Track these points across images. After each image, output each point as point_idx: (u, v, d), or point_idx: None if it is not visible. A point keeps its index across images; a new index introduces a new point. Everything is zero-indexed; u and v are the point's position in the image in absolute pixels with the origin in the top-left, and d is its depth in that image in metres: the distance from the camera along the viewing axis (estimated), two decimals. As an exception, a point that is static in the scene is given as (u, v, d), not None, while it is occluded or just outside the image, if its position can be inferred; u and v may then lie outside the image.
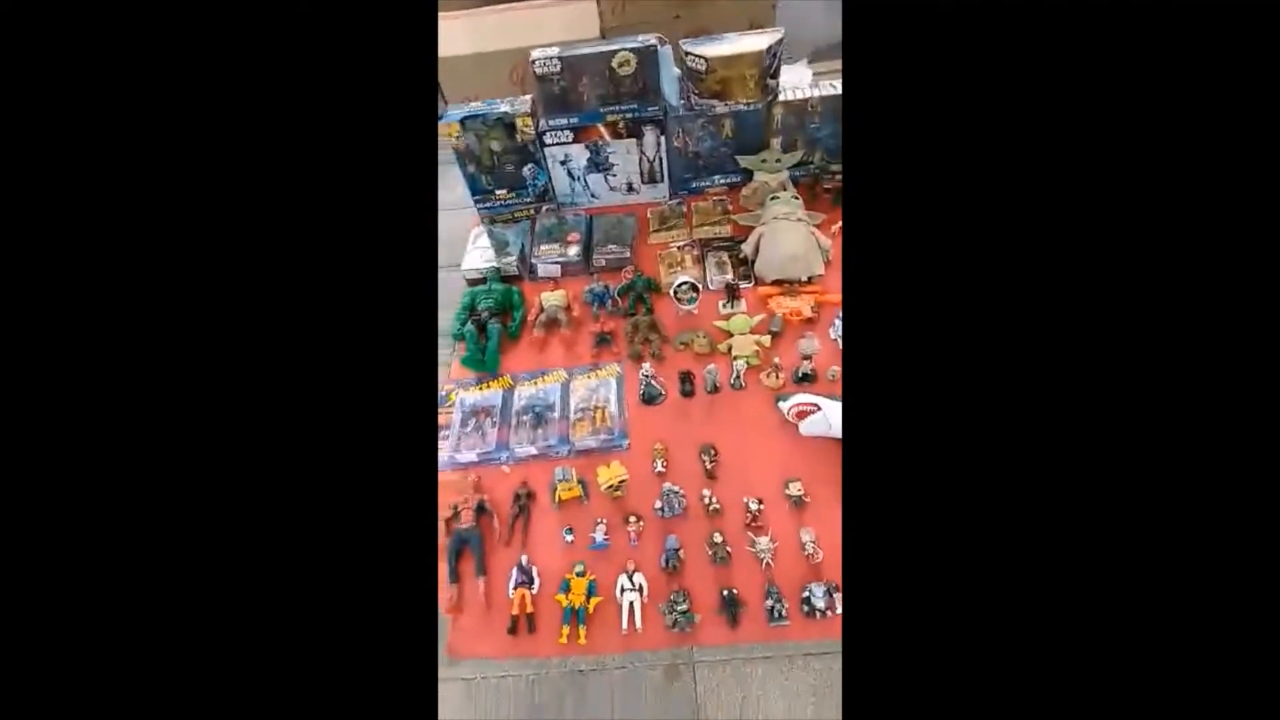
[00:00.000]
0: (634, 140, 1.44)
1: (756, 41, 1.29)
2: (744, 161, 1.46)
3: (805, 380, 1.18)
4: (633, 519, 1.03)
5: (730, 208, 1.51)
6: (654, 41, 1.30)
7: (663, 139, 1.44)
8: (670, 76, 1.39)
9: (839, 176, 1.47)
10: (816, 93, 1.39)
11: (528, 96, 1.42)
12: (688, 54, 1.31)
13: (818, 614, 0.91)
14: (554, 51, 1.31)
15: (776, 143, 1.46)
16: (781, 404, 1.12)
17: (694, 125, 1.42)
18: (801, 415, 1.09)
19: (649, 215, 1.52)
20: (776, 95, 1.38)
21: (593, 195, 1.55)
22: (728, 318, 1.28)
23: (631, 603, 0.95)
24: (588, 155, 1.47)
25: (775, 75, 1.35)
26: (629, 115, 1.39)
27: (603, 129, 1.42)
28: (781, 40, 1.31)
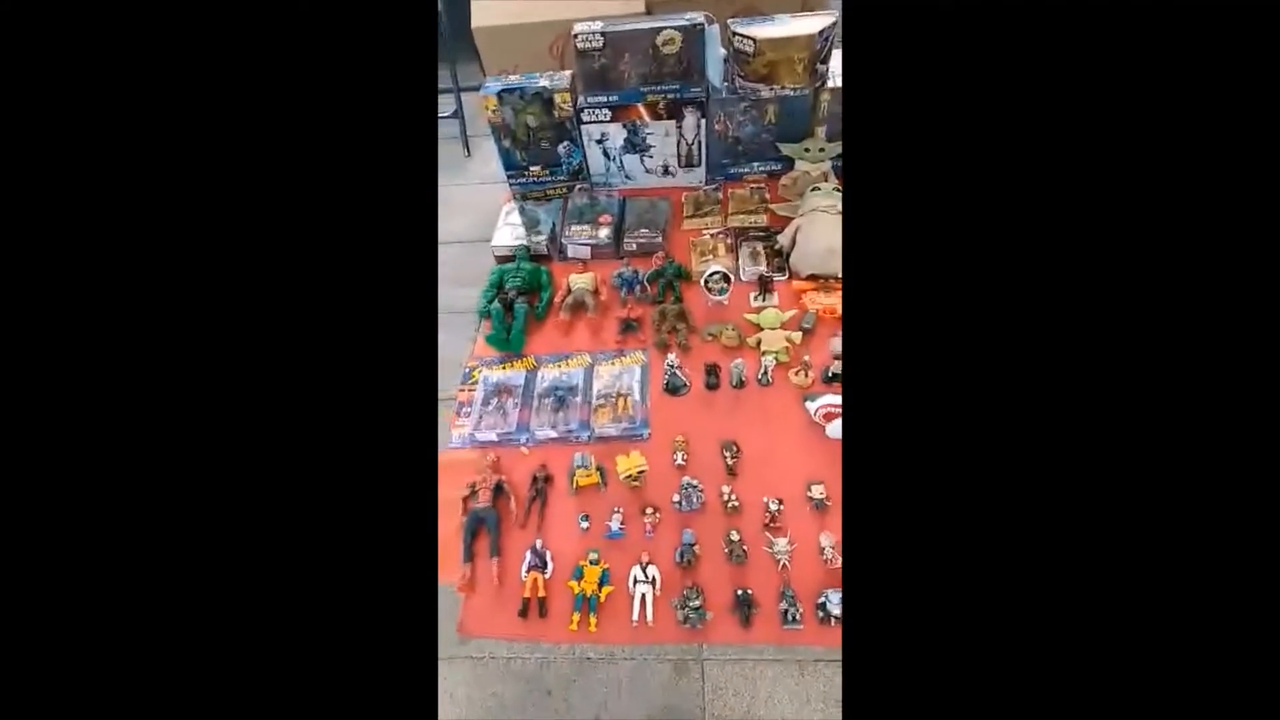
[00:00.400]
0: (673, 122, 1.40)
1: (808, 25, 1.24)
2: (786, 149, 1.42)
3: (835, 380, 1.15)
4: (649, 510, 1.02)
5: (768, 196, 1.47)
6: (701, 20, 1.25)
7: (703, 122, 1.40)
8: (715, 57, 1.34)
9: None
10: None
11: (567, 72, 1.38)
12: (735, 34, 1.26)
13: (833, 620, 0.90)
14: (597, 26, 1.27)
15: (821, 131, 1.41)
16: (809, 404, 1.09)
17: (736, 109, 1.37)
18: (829, 417, 1.06)
19: (684, 200, 1.49)
20: (825, 82, 1.33)
21: (627, 176, 1.52)
22: (758, 311, 1.25)
23: (644, 595, 0.94)
24: (625, 135, 1.44)
25: (826, 60, 1.30)
26: (670, 96, 1.35)
27: (642, 109, 1.38)
28: (835, 24, 1.25)
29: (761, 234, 1.41)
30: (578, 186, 1.51)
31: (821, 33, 1.23)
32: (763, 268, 1.34)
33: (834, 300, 1.23)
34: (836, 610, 0.90)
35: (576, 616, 0.93)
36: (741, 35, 1.25)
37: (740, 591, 0.93)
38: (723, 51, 1.35)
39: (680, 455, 1.08)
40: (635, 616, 0.93)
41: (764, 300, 1.28)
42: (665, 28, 1.25)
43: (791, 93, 1.32)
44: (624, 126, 1.42)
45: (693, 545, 0.97)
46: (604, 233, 1.41)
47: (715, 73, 1.35)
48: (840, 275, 1.27)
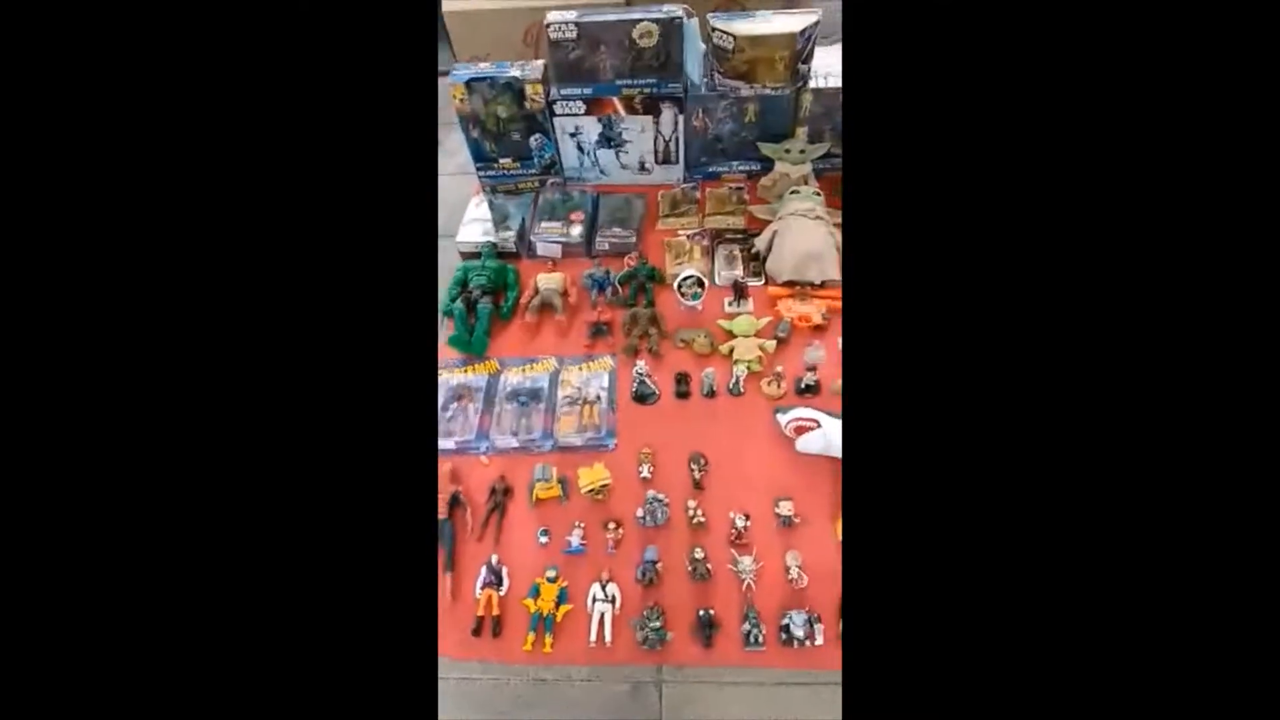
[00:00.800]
0: (650, 117, 1.35)
1: (790, 23, 1.19)
2: (766, 149, 1.38)
3: (808, 392, 1.12)
4: (612, 525, 0.98)
5: (747, 197, 1.43)
6: (680, 13, 1.20)
7: (681, 118, 1.35)
8: (694, 52, 1.29)
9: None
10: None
11: (540, 62, 1.32)
12: (715, 30, 1.21)
13: (796, 643, 0.87)
14: (571, 16, 1.22)
15: (802, 132, 1.37)
16: (780, 416, 1.06)
17: (716, 106, 1.33)
18: (800, 431, 1.03)
19: (659, 198, 1.44)
20: (806, 81, 1.29)
21: (602, 172, 1.47)
22: (732, 317, 1.21)
23: (603, 614, 0.91)
24: (600, 129, 1.38)
25: (807, 60, 1.26)
26: (647, 91, 1.30)
27: (618, 103, 1.33)
28: (817, 23, 1.21)
29: (739, 236, 1.37)
30: (550, 181, 1.45)
31: (803, 31, 1.19)
32: (738, 272, 1.31)
33: (809, 308, 1.20)
34: (799, 632, 0.87)
35: (532, 636, 0.89)
36: (721, 31, 1.21)
37: (702, 612, 0.90)
38: (703, 46, 1.30)
39: (646, 467, 1.04)
40: (593, 637, 0.89)
41: (739, 306, 1.25)
42: (642, 20, 1.20)
43: (772, 92, 1.28)
44: (599, 120, 1.36)
45: (655, 563, 0.94)
46: (576, 231, 1.36)
47: (694, 68, 1.31)
48: (817, 282, 1.24)
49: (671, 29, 1.22)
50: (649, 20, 1.20)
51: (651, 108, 1.34)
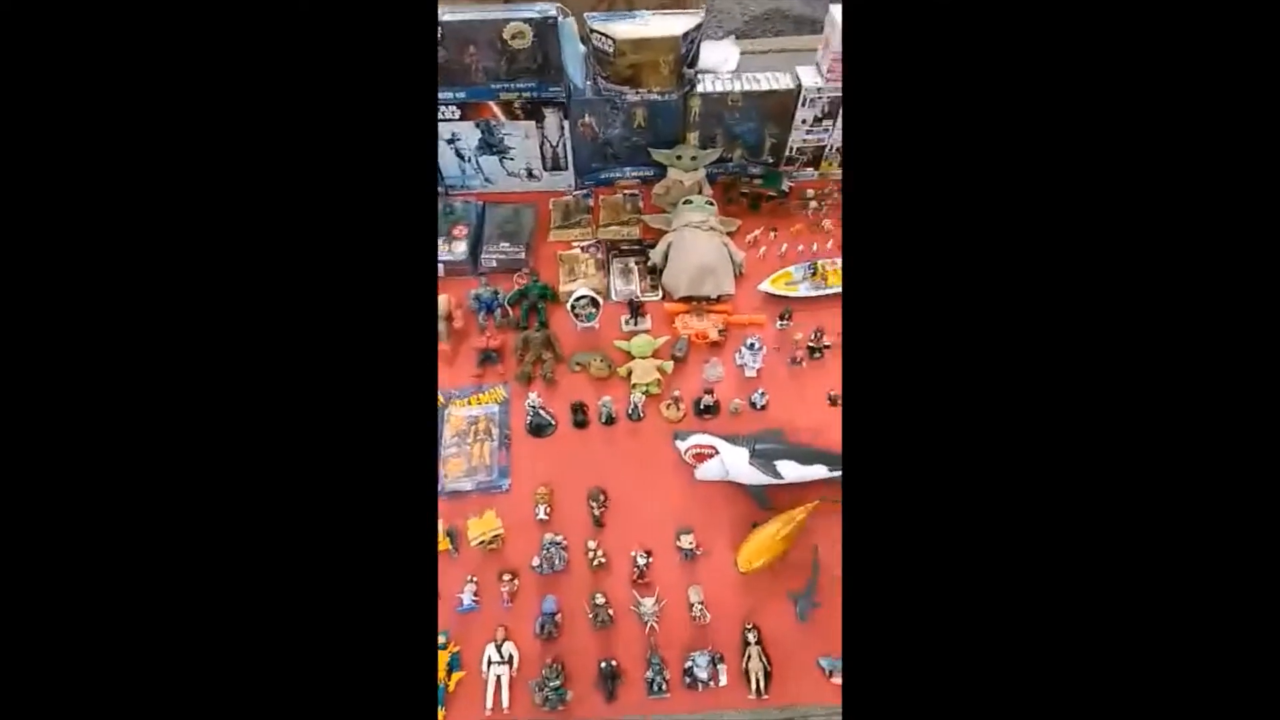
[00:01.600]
0: (533, 122, 1.26)
1: (672, 25, 1.13)
2: (658, 155, 1.32)
3: (707, 413, 1.10)
4: (507, 576, 0.92)
5: (643, 205, 1.37)
6: (553, 12, 1.11)
7: (566, 124, 1.27)
8: (575, 54, 1.21)
9: (757, 181, 1.36)
10: (739, 86, 1.25)
11: (405, 62, 1.20)
12: (593, 31, 1.14)
13: (700, 685, 0.85)
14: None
15: (694, 137, 1.33)
16: (679, 443, 1.03)
17: (602, 110, 1.26)
18: (699, 458, 1.01)
19: (551, 207, 1.36)
20: (694, 86, 1.24)
21: (487, 179, 1.37)
22: (630, 337, 1.17)
23: (499, 677, 0.85)
24: (479, 135, 1.28)
25: (693, 63, 1.20)
26: (526, 95, 1.21)
27: (495, 107, 1.23)
28: (701, 26, 1.16)
29: (636, 247, 1.32)
30: (429, 192, 1.33)
31: (686, 35, 1.13)
32: (635, 287, 1.26)
33: (706, 324, 1.17)
34: (703, 674, 0.86)
35: (422, 711, 0.83)
36: (600, 33, 1.13)
37: (604, 664, 0.86)
38: (583, 48, 1.22)
39: (543, 509, 0.99)
40: (489, 704, 0.84)
41: (635, 325, 1.20)
42: (512, 19, 1.10)
43: (659, 97, 1.22)
44: (477, 125, 1.26)
45: (554, 614, 0.89)
46: (460, 247, 1.26)
47: (576, 71, 1.23)
48: (713, 297, 1.21)
49: (545, 29, 1.13)
50: (519, 20, 1.10)
51: (534, 112, 1.25)
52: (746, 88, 1.26)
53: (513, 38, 1.12)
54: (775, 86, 1.25)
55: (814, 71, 1.25)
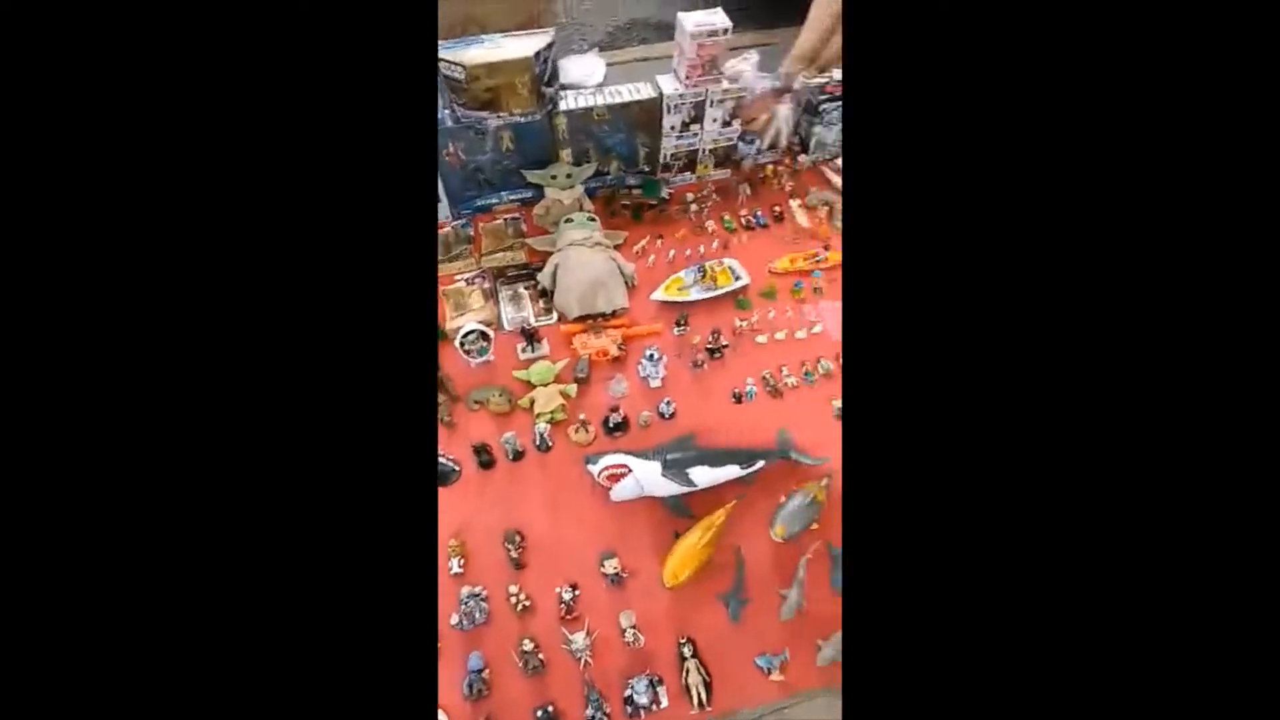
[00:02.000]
0: (396, 158, 1.21)
1: (523, 45, 1.12)
2: (532, 177, 1.30)
3: (617, 430, 1.08)
4: (427, 640, 0.87)
5: (525, 229, 1.35)
6: (396, 43, 1.07)
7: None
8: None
9: (636, 191, 1.36)
10: (602, 99, 1.25)
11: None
12: (441, 60, 1.10)
13: (641, 711, 0.84)
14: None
15: (567, 154, 1.31)
16: (591, 466, 1.00)
17: (465, 137, 1.22)
18: (614, 479, 0.99)
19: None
20: (555, 104, 1.22)
21: (357, 221, 1.29)
22: (528, 365, 1.13)
23: (430, 751, 0.80)
24: (339, 177, 1.21)
25: (551, 82, 1.19)
26: (382, 130, 1.15)
27: (352, 147, 1.16)
28: (553, 44, 1.14)
29: (524, 272, 1.29)
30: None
31: (539, 54, 1.12)
32: (528, 313, 1.23)
33: (604, 341, 1.16)
34: (643, 699, 0.84)
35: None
36: (448, 62, 1.09)
37: (541, 711, 0.83)
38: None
39: (456, 561, 0.94)
40: (423, 783, 0.78)
41: (533, 351, 1.17)
42: (353, 54, 1.04)
43: (521, 119, 1.20)
44: (335, 168, 1.19)
45: (481, 671, 0.85)
46: (334, 297, 1.18)
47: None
48: (608, 312, 1.20)
49: (392, 61, 1.08)
50: (361, 55, 1.05)
51: (394, 147, 1.19)
52: (610, 100, 1.26)
53: (356, 73, 1.06)
54: (638, 97, 1.26)
55: (672, 79, 1.26)
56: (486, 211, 1.37)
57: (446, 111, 1.20)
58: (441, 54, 1.10)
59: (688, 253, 1.31)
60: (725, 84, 1.25)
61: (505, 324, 1.21)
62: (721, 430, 1.07)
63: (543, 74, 1.16)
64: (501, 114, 1.18)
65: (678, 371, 1.15)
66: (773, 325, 1.21)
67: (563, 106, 1.24)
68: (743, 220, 1.37)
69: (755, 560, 0.95)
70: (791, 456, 1.03)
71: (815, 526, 0.96)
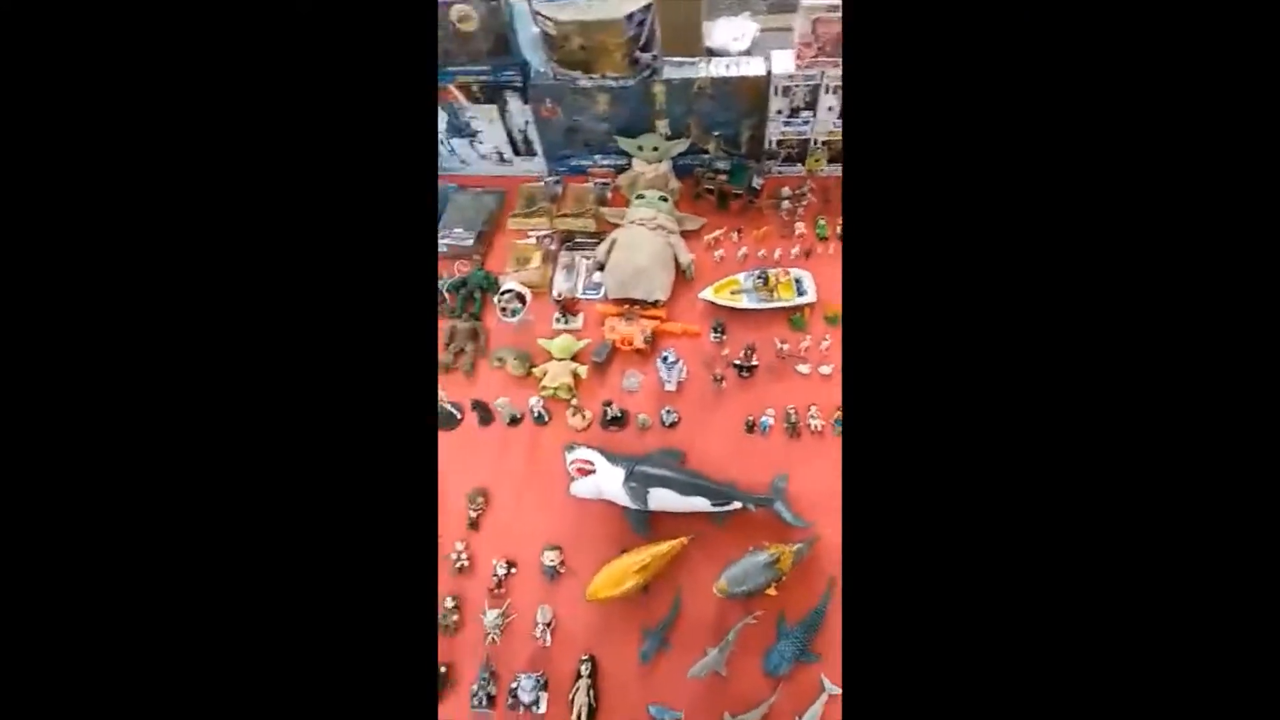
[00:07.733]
0: (495, 106, 1.24)
1: (615, 7, 1.05)
2: (622, 143, 1.25)
3: (614, 424, 1.04)
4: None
5: (610, 196, 1.31)
6: (499, -8, 1.07)
7: (528, 108, 1.23)
8: (532, 36, 1.16)
9: (722, 176, 1.24)
10: (707, 72, 1.14)
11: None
12: (537, 14, 1.08)
13: (521, 708, 0.83)
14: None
15: (664, 125, 1.24)
16: (568, 454, 0.98)
17: (564, 95, 1.20)
18: (582, 472, 0.96)
19: (519, 193, 1.34)
20: (654, 72, 1.15)
21: (462, 161, 1.37)
22: (555, 335, 1.13)
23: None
24: (446, 118, 1.27)
25: (647, 48, 1.11)
26: (482, 78, 1.18)
27: (455, 90, 1.22)
28: (650, 6, 1.06)
29: (591, 240, 1.27)
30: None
31: (631, 16, 1.05)
32: (577, 284, 1.21)
33: (633, 330, 1.11)
34: (526, 697, 0.83)
35: None
36: (544, 17, 1.07)
37: (441, 666, 0.86)
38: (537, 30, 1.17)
39: (422, 502, 0.99)
40: None
41: (565, 323, 1.16)
42: (456, 2, 1.07)
43: (614, 83, 1.15)
44: (442, 108, 1.26)
45: (402, 609, 0.90)
46: (417, 230, 1.27)
47: (534, 54, 1.18)
48: (648, 301, 1.13)
49: (494, 12, 1.09)
50: (463, 3, 1.07)
51: (494, 96, 1.22)
52: (714, 74, 1.14)
53: (460, 20, 1.10)
54: (744, 72, 1.13)
55: (789, 56, 1.11)
56: (581, 174, 1.36)
57: (548, 67, 1.19)
58: (537, 8, 1.08)
59: (761, 253, 1.18)
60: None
61: (553, 291, 1.21)
62: (716, 457, 0.97)
63: (638, 37, 1.09)
64: (593, 75, 1.14)
65: (698, 381, 1.06)
66: (823, 357, 1.05)
67: (667, 75, 1.15)
68: (839, 230, 1.18)
69: (694, 608, 0.87)
70: (775, 508, 0.90)
71: (772, 593, 0.84)
